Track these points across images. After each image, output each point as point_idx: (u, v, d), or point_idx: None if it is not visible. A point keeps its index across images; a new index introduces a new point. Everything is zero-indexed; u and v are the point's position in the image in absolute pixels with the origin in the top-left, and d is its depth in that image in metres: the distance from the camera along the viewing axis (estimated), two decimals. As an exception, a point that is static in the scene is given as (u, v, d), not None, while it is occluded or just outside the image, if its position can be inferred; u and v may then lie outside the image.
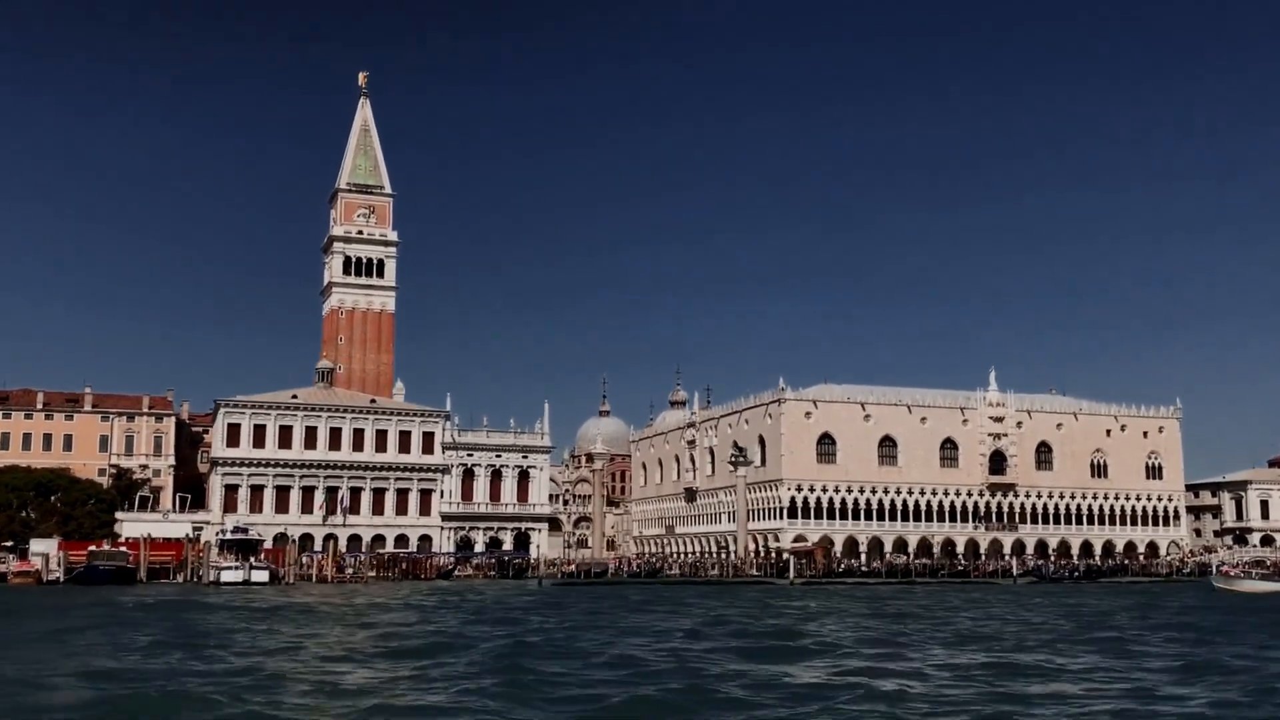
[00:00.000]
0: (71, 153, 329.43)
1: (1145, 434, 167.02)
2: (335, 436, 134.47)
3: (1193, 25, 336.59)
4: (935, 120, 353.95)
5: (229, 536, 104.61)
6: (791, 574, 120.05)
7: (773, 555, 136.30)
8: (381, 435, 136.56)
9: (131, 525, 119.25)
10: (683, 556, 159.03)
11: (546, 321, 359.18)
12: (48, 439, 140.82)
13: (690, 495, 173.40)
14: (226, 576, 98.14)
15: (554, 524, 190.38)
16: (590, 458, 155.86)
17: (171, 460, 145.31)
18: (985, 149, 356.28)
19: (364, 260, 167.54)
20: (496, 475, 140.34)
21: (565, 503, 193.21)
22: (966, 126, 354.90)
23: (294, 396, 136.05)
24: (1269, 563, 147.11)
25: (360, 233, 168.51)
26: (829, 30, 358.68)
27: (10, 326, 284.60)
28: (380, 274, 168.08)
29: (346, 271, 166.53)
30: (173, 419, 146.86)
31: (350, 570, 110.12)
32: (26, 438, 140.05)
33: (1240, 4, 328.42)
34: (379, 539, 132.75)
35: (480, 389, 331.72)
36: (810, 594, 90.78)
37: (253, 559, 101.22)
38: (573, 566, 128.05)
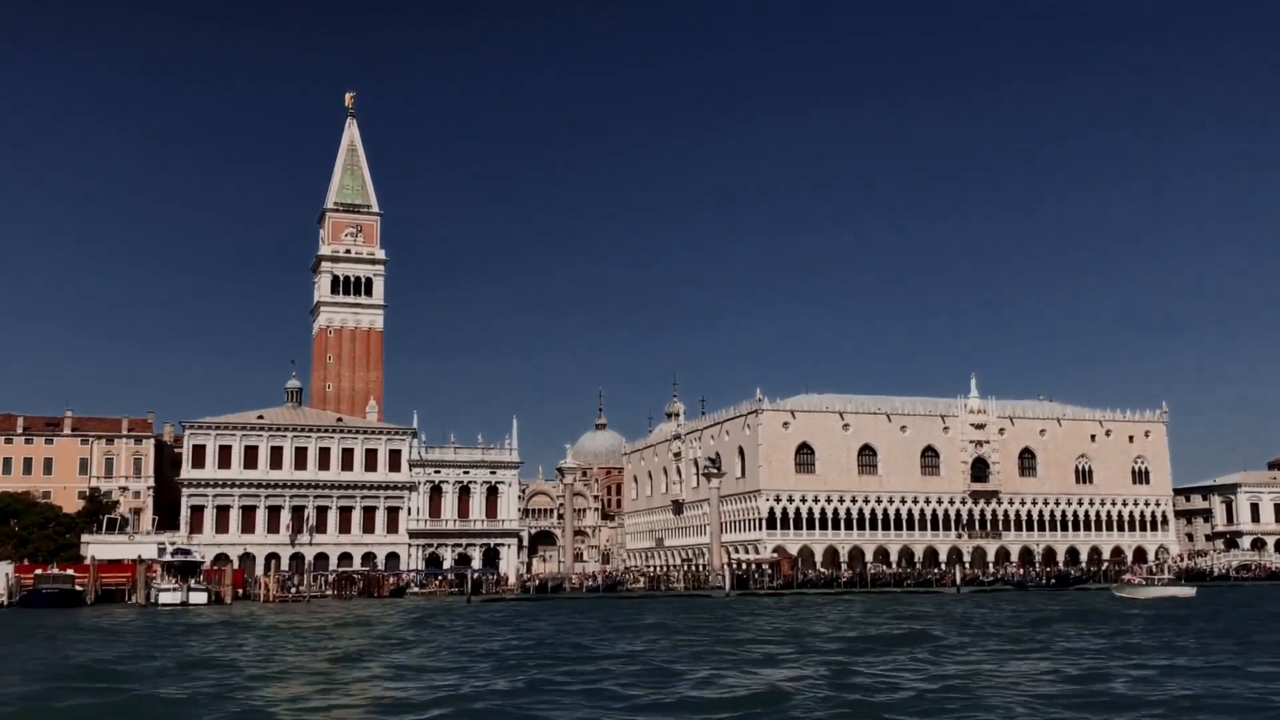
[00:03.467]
0: (56, 174, 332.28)
1: (1131, 438, 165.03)
2: (301, 456, 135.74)
3: (1176, 27, 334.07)
4: (919, 129, 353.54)
5: (170, 558, 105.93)
6: (726, 586, 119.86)
7: (739, 567, 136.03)
8: (348, 454, 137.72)
9: (98, 547, 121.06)
10: (653, 570, 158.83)
11: (541, 336, 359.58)
12: (28, 463, 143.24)
13: (678, 507, 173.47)
14: (164, 598, 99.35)
15: (549, 538, 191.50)
16: (562, 472, 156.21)
17: (151, 482, 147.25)
18: (968, 157, 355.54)
19: (352, 279, 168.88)
20: (465, 492, 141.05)
21: (560, 516, 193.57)
22: (949, 135, 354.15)
23: (260, 417, 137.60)
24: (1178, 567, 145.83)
25: (348, 251, 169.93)
26: (813, 40, 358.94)
27: None
28: (368, 292, 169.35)
29: (335, 290, 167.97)
30: (152, 441, 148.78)
31: (294, 590, 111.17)
32: (7, 462, 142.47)
33: (1228, 6, 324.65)
34: (346, 557, 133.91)
35: (474, 405, 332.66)
36: (723, 606, 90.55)
37: (192, 580, 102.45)
38: (536, 581, 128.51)
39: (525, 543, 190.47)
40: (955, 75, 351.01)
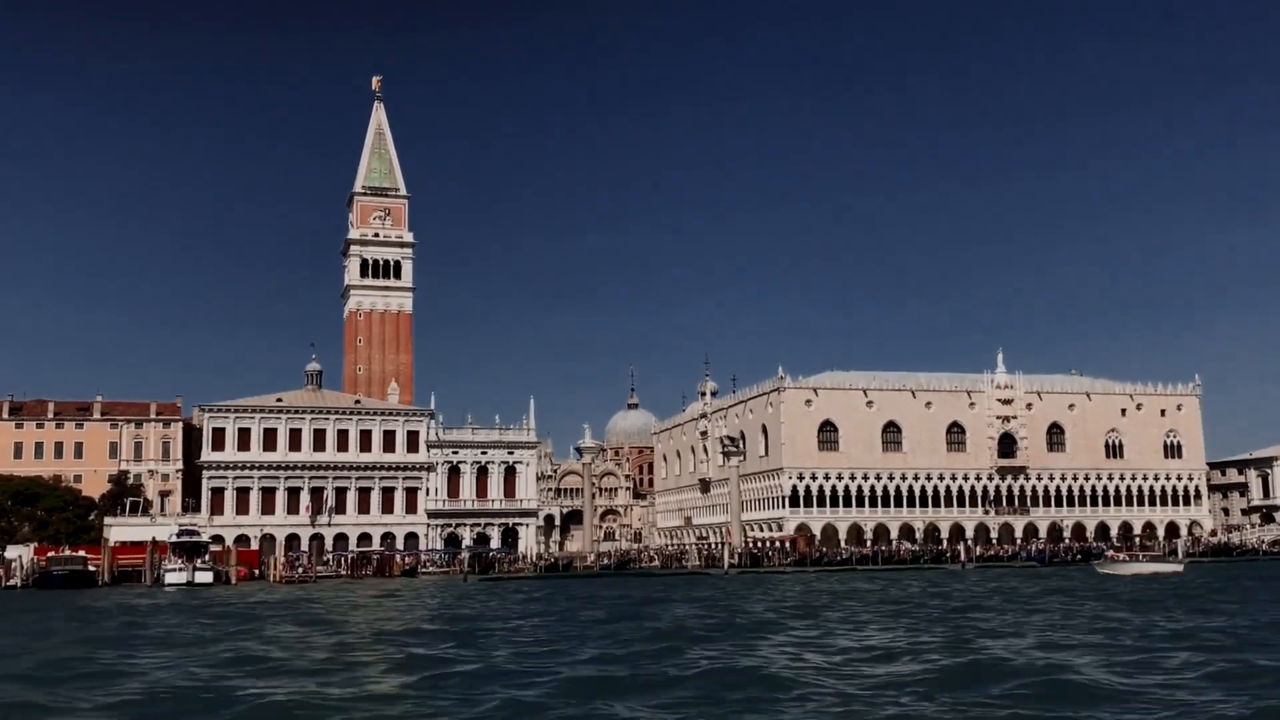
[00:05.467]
0: (86, 162, 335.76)
1: (1163, 412, 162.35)
2: (320, 438, 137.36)
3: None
4: (944, 102, 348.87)
5: (176, 539, 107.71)
6: (725, 563, 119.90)
7: (754, 544, 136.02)
8: (366, 435, 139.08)
9: (119, 529, 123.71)
10: (677, 548, 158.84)
11: (575, 315, 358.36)
12: (59, 447, 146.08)
13: (704, 486, 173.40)
14: (170, 578, 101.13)
15: (582, 517, 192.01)
16: (581, 451, 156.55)
17: (179, 465, 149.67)
18: (992, 128, 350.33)
19: (381, 262, 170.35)
20: (483, 472, 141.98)
21: (592, 496, 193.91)
22: (973, 106, 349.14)
23: (279, 399, 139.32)
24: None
25: (376, 235, 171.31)
26: (829, 17, 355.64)
27: (26, 337, 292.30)
28: (397, 275, 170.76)
29: (364, 274, 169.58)
30: (180, 424, 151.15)
31: (300, 569, 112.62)
32: (39, 446, 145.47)
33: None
34: (365, 538, 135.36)
35: (506, 386, 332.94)
36: (714, 584, 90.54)
37: (198, 560, 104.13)
38: (547, 561, 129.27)
39: (558, 521, 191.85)
40: (978, 47, 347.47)
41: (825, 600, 63.74)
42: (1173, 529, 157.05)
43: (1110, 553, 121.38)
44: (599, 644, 39.07)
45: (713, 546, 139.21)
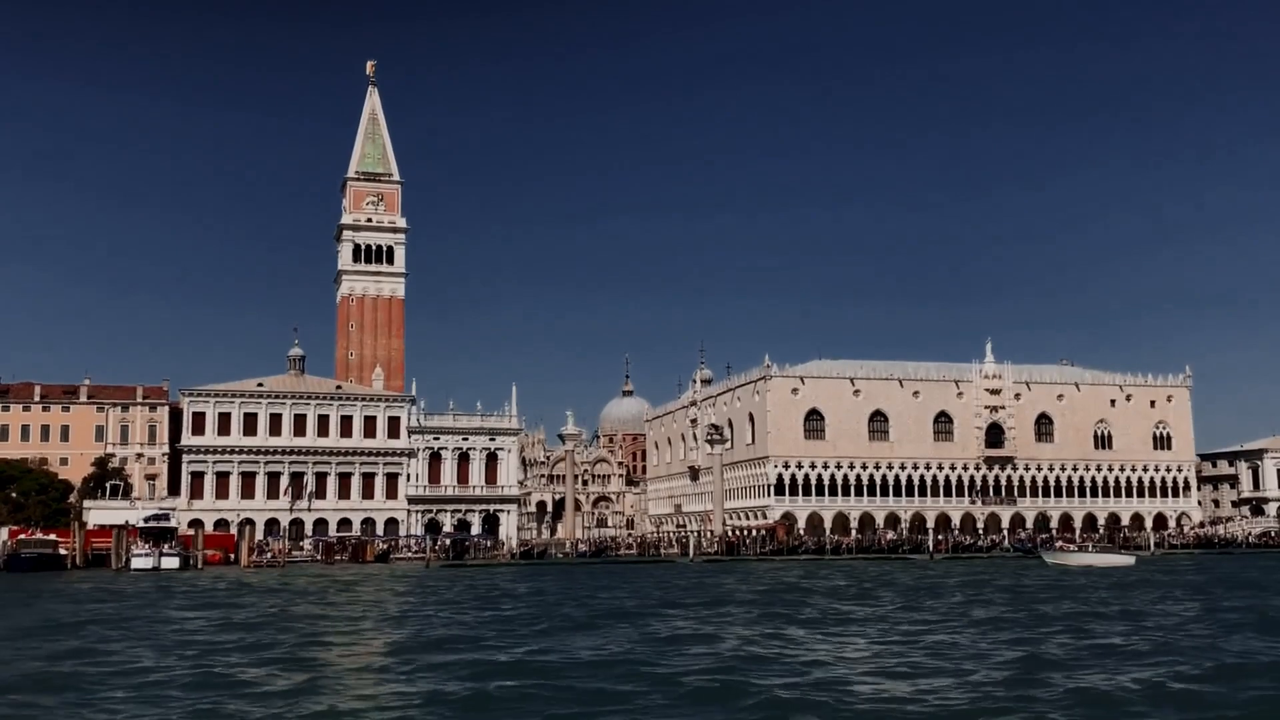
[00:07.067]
0: (83, 149, 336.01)
1: (1153, 403, 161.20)
2: (300, 423, 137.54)
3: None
4: (937, 93, 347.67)
5: (144, 524, 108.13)
6: (692, 552, 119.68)
7: (733, 532, 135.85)
8: (347, 420, 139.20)
9: (99, 513, 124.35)
10: (658, 536, 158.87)
11: (569, 302, 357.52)
12: (45, 430, 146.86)
13: (694, 474, 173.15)
14: (137, 563, 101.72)
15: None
16: (564, 438, 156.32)
17: (165, 449, 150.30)
18: (982, 123, 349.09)
19: (373, 247, 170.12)
20: (464, 458, 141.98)
21: (585, 483, 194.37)
22: (963, 102, 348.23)
23: (260, 384, 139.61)
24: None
25: (369, 220, 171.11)
26: (820, 12, 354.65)
27: (14, 320, 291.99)
28: (390, 260, 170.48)
29: (356, 259, 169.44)
30: (166, 408, 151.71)
31: (270, 554, 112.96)
32: (25, 429, 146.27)
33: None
34: (345, 523, 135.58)
35: (499, 372, 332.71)
36: (669, 571, 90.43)
37: (165, 545, 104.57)
38: (523, 548, 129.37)
39: (550, 508, 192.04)
40: (976, 37, 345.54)
41: (703, 596, 63.26)
42: (1161, 520, 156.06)
43: (1060, 544, 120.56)
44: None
45: (690, 534, 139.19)
